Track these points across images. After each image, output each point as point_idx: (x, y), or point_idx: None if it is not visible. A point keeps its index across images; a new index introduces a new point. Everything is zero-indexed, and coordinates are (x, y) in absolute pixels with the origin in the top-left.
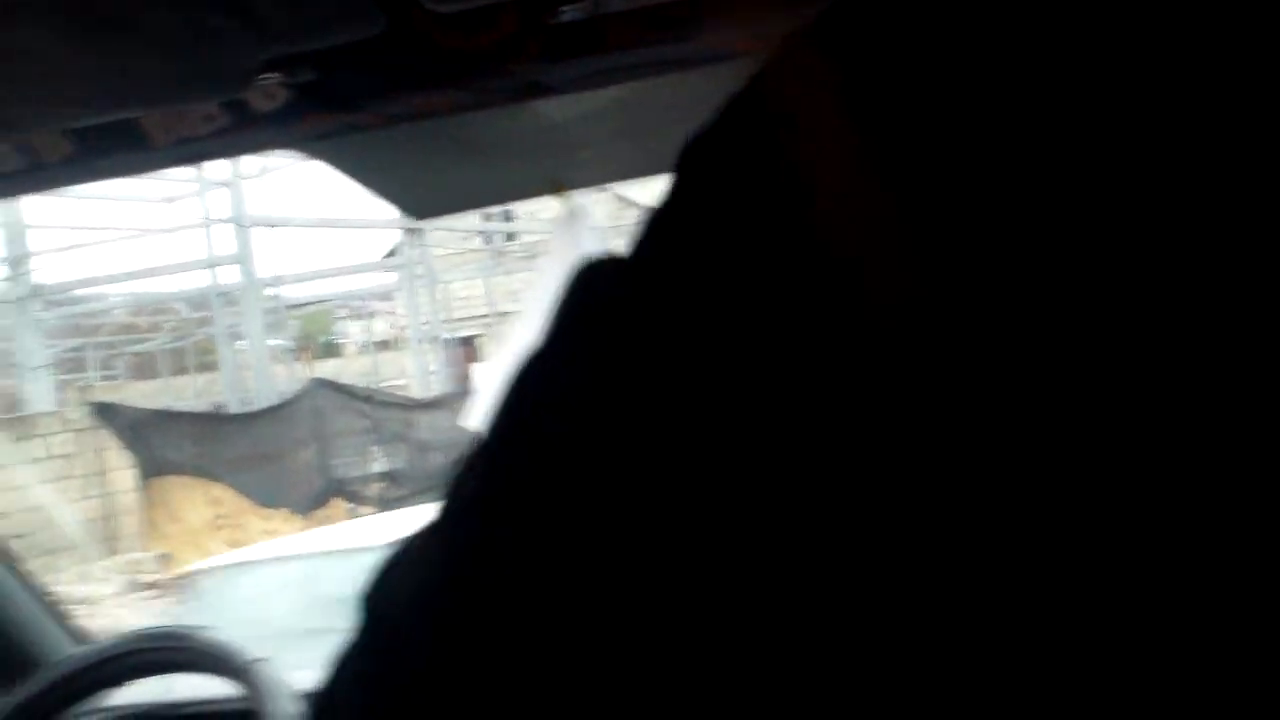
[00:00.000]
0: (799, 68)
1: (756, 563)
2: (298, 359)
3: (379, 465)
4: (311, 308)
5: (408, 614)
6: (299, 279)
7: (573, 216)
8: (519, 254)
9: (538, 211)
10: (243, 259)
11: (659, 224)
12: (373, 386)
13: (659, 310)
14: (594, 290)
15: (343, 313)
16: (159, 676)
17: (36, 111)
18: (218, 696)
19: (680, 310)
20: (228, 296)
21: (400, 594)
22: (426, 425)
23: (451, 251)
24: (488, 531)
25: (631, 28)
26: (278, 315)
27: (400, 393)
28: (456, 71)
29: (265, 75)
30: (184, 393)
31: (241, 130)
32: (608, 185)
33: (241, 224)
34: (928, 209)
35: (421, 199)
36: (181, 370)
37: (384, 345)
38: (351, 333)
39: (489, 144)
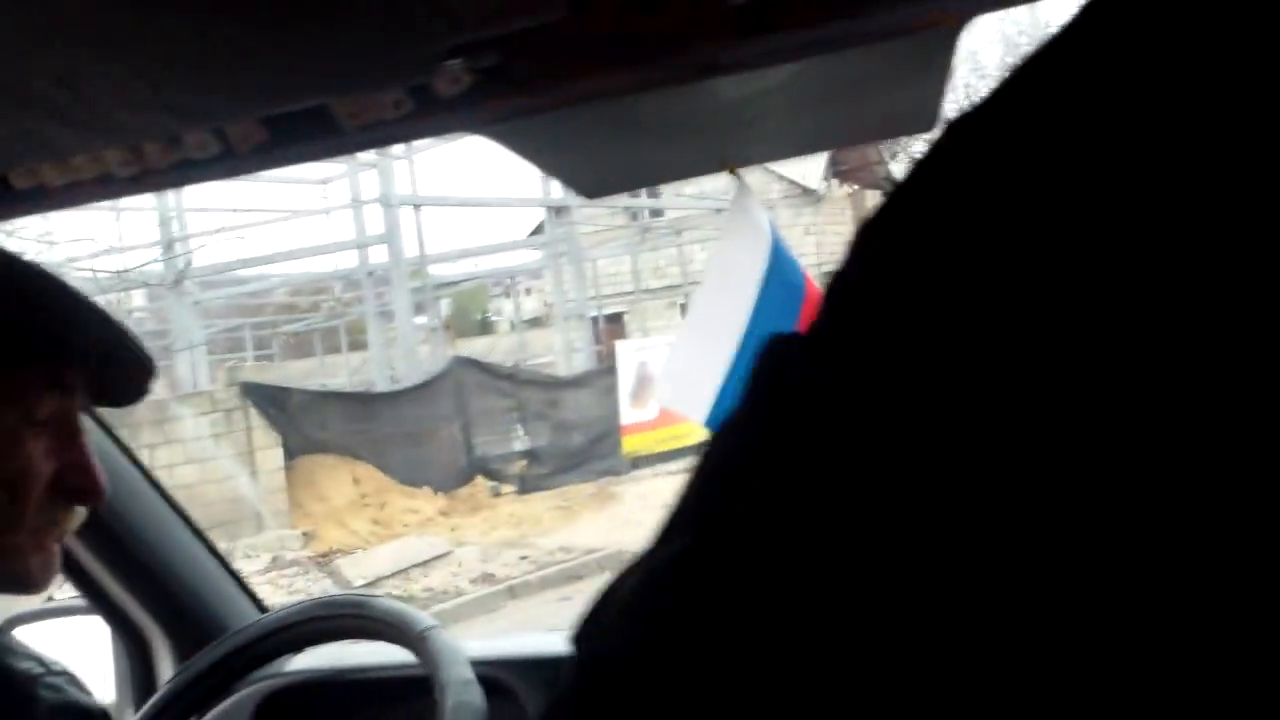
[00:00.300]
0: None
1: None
2: (444, 337)
3: (521, 444)
4: (465, 285)
5: (623, 656)
6: (449, 257)
7: (742, 193)
8: (665, 230)
9: (682, 187)
10: (391, 238)
11: (852, 293)
12: (519, 364)
13: (859, 408)
14: (789, 369)
15: (496, 290)
16: (337, 643)
17: (232, 101)
18: (394, 663)
19: (887, 412)
20: (376, 276)
21: (614, 638)
22: (569, 403)
23: (598, 229)
24: (698, 593)
25: (807, 6)
26: (427, 294)
27: (546, 371)
28: (634, 53)
29: (450, 60)
30: (338, 371)
31: (426, 115)
32: (770, 162)
33: (389, 204)
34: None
35: (595, 178)
36: (335, 349)
37: (535, 323)
38: (505, 310)
39: (662, 123)
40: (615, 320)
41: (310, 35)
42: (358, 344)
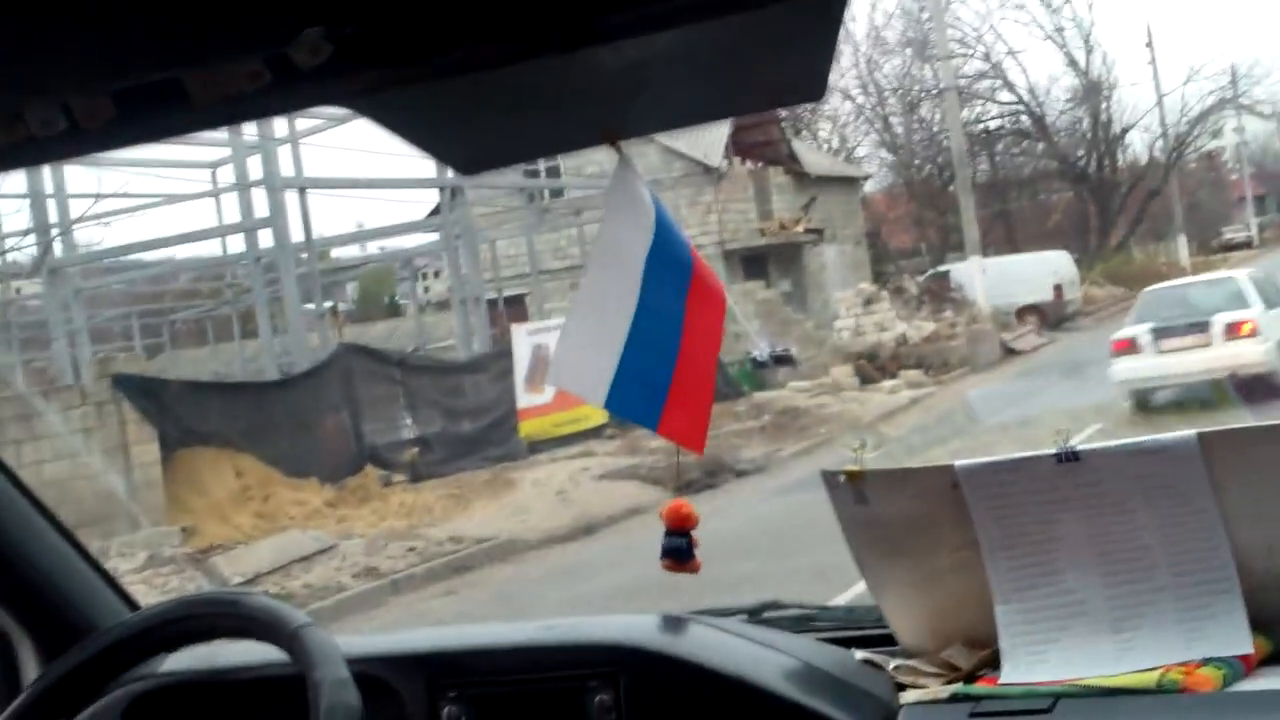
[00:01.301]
0: None
1: None
2: (333, 322)
3: (412, 431)
4: (370, 268)
5: None
6: (341, 241)
7: (624, 168)
8: (564, 210)
9: (583, 167)
10: (275, 223)
11: None
12: (420, 348)
13: None
14: None
15: (404, 273)
16: (209, 642)
17: (76, 74)
18: (268, 662)
19: None
20: (265, 262)
21: None
22: (462, 389)
23: (496, 210)
24: None
25: None
26: (316, 279)
27: (440, 355)
28: (505, 21)
29: (308, 29)
30: (231, 360)
31: (286, 88)
32: (659, 134)
33: (274, 187)
34: None
35: (470, 153)
36: (228, 337)
37: (443, 306)
38: (413, 293)
39: (539, 95)
40: (516, 302)
41: (157, 1)
42: (251, 332)
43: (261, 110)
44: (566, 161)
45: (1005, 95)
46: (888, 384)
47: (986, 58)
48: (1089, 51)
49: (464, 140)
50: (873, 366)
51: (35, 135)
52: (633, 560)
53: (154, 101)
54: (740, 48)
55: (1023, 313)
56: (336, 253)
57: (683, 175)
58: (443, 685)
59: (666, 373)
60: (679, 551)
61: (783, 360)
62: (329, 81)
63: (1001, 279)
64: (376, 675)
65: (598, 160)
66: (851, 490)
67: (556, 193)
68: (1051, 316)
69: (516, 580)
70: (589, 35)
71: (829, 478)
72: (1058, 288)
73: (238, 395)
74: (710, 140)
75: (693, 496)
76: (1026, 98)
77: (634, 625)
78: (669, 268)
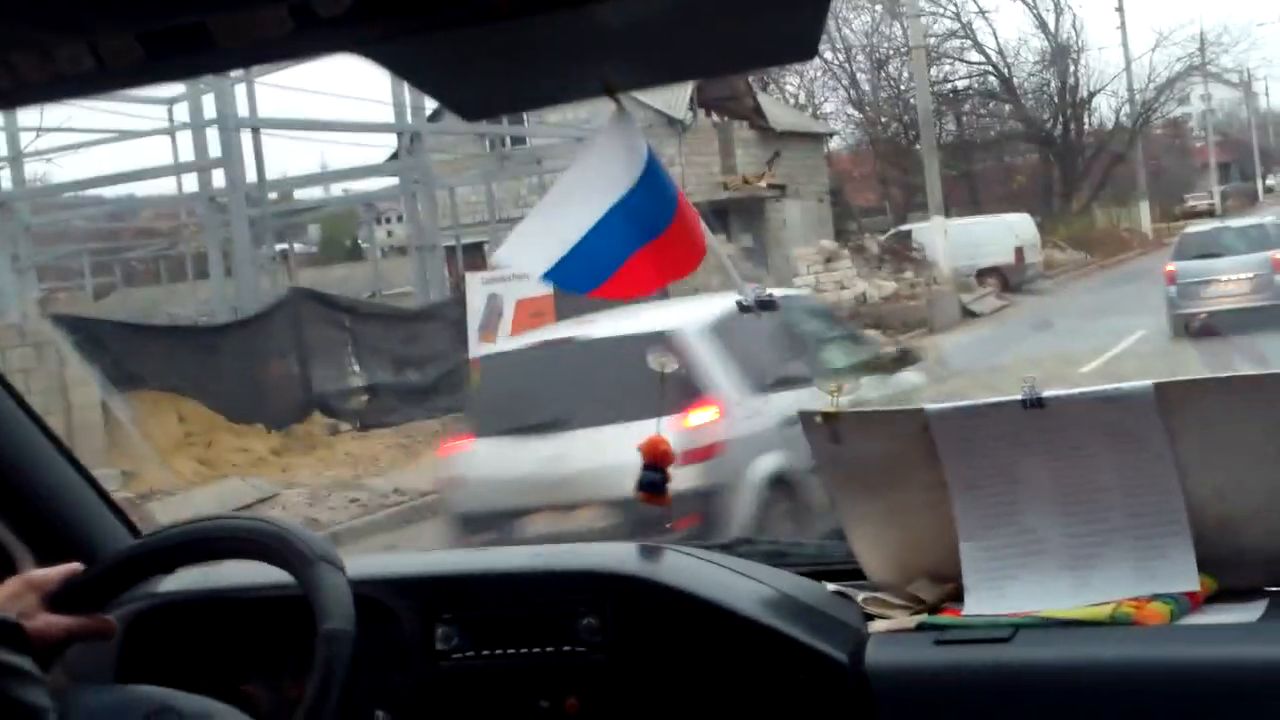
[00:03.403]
0: None
1: None
2: (284, 266)
3: (361, 379)
4: (328, 211)
5: None
6: (295, 184)
7: (621, 118)
8: (524, 159)
9: (545, 115)
10: (228, 163)
11: None
12: (376, 294)
13: None
14: None
15: (367, 217)
16: (207, 563)
17: (105, 17)
18: (269, 583)
19: None
20: (217, 203)
21: None
22: (414, 337)
23: (456, 158)
24: None
25: None
26: (284, 220)
27: (392, 303)
28: None
29: None
30: (185, 301)
31: (307, 34)
32: (650, 89)
33: (226, 126)
34: None
35: (475, 100)
36: (181, 278)
37: (403, 251)
38: (376, 237)
39: (543, 46)
40: (475, 250)
41: None
42: (206, 273)
43: (282, 54)
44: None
45: (974, 55)
46: None
47: (956, 17)
48: (1058, 14)
49: (468, 88)
50: None
51: (64, 73)
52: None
53: (179, 44)
54: (735, 6)
55: (983, 275)
56: (301, 194)
57: (647, 127)
58: (437, 608)
59: (615, 263)
60: (655, 485)
61: (766, 305)
62: (347, 28)
63: (963, 240)
64: (373, 597)
65: (560, 109)
66: (827, 430)
67: (518, 140)
68: (1012, 279)
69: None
70: None
71: (806, 418)
72: (1019, 250)
73: (181, 338)
74: (675, 93)
75: None
76: (995, 59)
77: (619, 553)
78: (653, 198)
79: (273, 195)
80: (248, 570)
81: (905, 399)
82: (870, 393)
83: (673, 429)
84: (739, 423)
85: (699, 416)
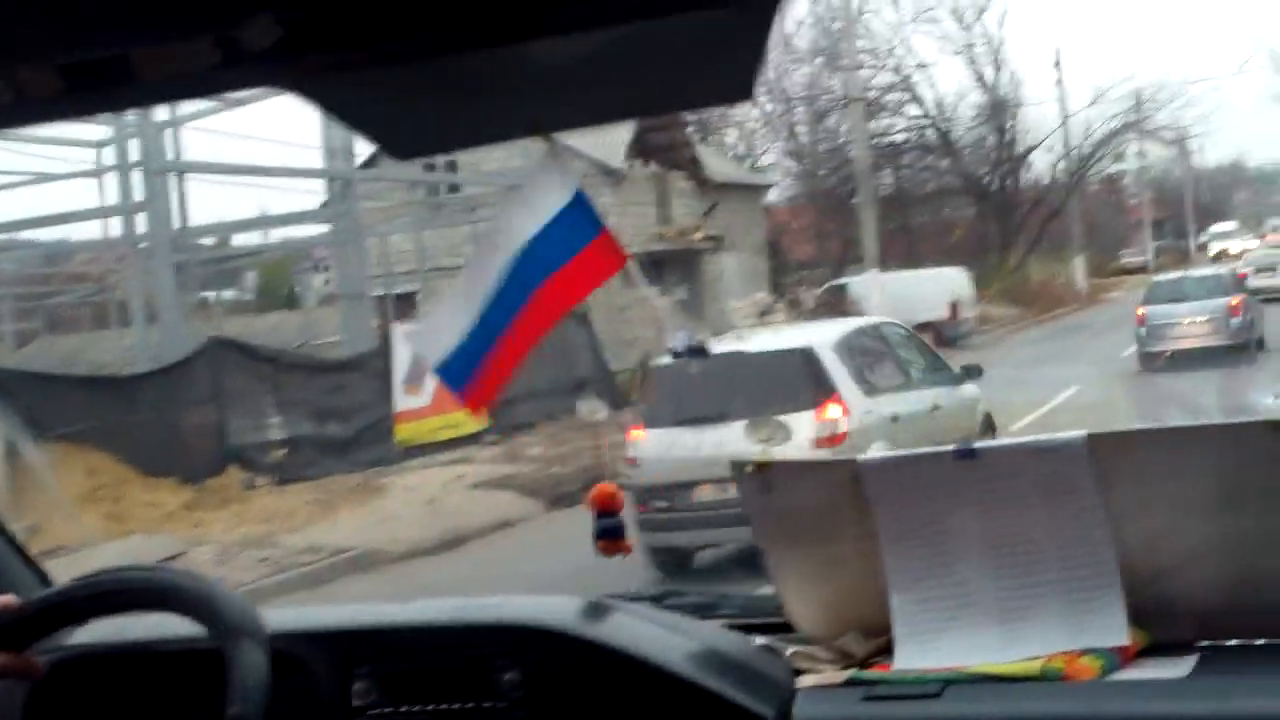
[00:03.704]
0: None
1: None
2: (204, 314)
3: (280, 431)
4: (264, 258)
5: None
6: (224, 229)
7: (552, 158)
8: (459, 207)
9: (480, 164)
10: (153, 207)
11: None
12: (307, 343)
13: None
14: None
15: (304, 264)
16: (124, 615)
17: (24, 46)
18: (179, 635)
19: None
20: (142, 249)
21: None
22: (337, 388)
23: (389, 205)
24: None
25: None
26: (217, 266)
27: (325, 352)
28: (447, 12)
29: (258, 12)
30: (109, 349)
31: (234, 68)
32: (584, 129)
33: (153, 170)
34: None
35: (407, 138)
36: (105, 324)
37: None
38: (314, 285)
39: (474, 84)
40: (407, 299)
41: None
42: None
43: (207, 89)
44: (464, 157)
45: (913, 109)
46: None
47: (896, 70)
48: (997, 69)
49: (401, 126)
50: None
51: None
52: (498, 579)
53: (101, 76)
54: (670, 47)
55: (918, 329)
56: (242, 240)
57: (582, 176)
58: (353, 662)
59: (484, 349)
60: (613, 531)
61: (697, 353)
62: (276, 63)
63: (899, 294)
64: (287, 650)
65: (496, 157)
66: (759, 479)
67: (454, 188)
68: (946, 335)
69: (371, 596)
70: (525, 28)
71: (737, 467)
72: (953, 305)
73: (96, 388)
74: (612, 141)
75: (567, 510)
76: (934, 112)
77: (542, 606)
78: (544, 255)
79: (209, 240)
80: (161, 622)
81: (969, 405)
82: (942, 401)
83: (810, 421)
84: (857, 418)
85: (830, 412)
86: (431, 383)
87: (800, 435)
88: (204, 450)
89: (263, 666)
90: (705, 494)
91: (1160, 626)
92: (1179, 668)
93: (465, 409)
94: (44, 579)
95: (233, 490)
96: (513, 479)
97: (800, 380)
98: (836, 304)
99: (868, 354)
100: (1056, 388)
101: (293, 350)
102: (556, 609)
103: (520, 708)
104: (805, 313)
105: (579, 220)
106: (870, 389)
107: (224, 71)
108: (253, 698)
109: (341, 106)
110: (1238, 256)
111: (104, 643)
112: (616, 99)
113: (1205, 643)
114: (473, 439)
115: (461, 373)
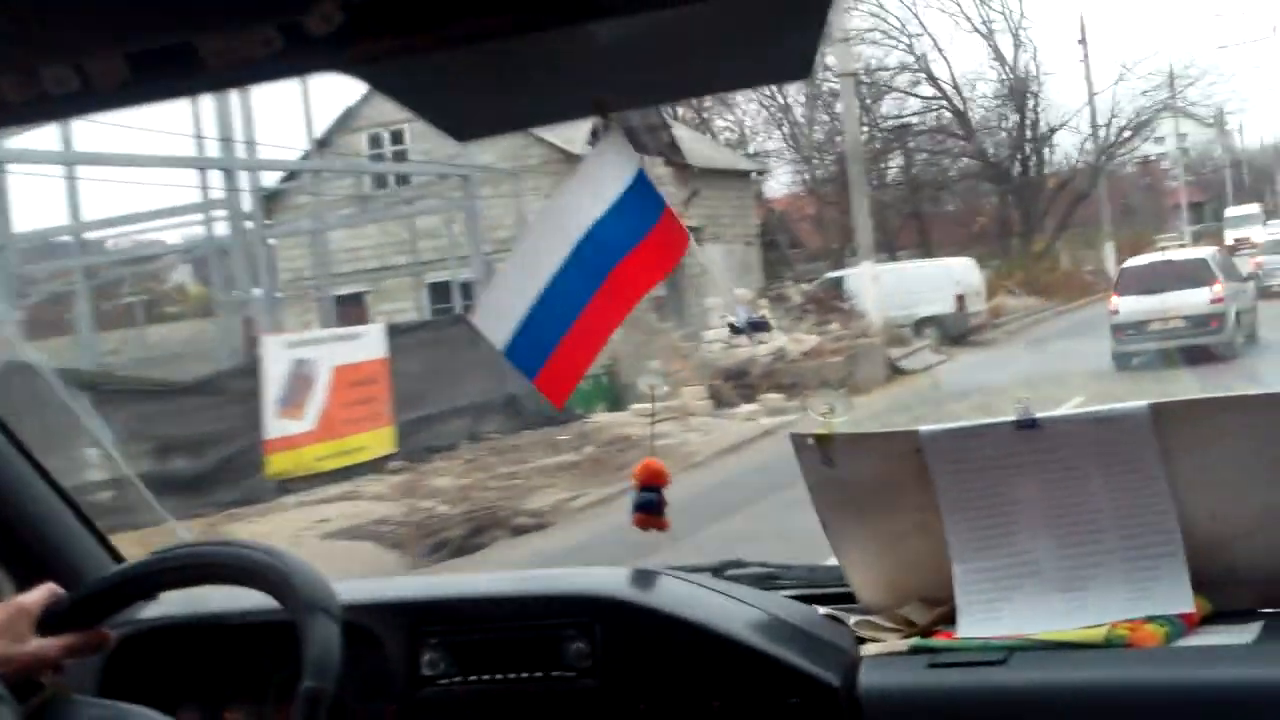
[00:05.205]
0: None
1: None
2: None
3: (106, 471)
4: (144, 264)
5: None
6: (100, 225)
7: (611, 138)
8: (391, 199)
9: (431, 151)
10: None
11: None
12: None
13: None
14: None
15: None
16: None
17: (92, 36)
18: (254, 608)
19: None
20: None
21: None
22: (185, 416)
23: (335, 197)
24: None
25: None
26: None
27: (170, 375)
28: None
29: None
30: None
31: (296, 53)
32: (645, 107)
33: None
34: None
35: (466, 120)
36: None
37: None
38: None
39: (535, 65)
40: (353, 300)
41: None
42: None
43: (271, 74)
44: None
45: (926, 90)
46: (744, 409)
47: (910, 49)
48: (1017, 46)
49: (461, 108)
50: (739, 386)
51: (49, 93)
52: None
53: (167, 64)
54: (732, 26)
55: (921, 325)
56: (117, 244)
57: (542, 162)
58: (423, 633)
59: (559, 333)
60: (651, 505)
61: (759, 327)
62: (338, 49)
63: (899, 288)
64: (359, 622)
65: (423, 148)
66: (819, 453)
67: (403, 179)
68: (952, 330)
69: None
70: (585, 9)
71: (798, 440)
72: (960, 298)
73: None
74: (576, 128)
75: (447, 562)
76: (950, 92)
77: (608, 577)
78: (613, 239)
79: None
80: (233, 595)
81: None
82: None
83: (1206, 291)
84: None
85: (1215, 290)
86: (316, 403)
87: (1198, 298)
88: None
89: (336, 640)
90: (1153, 326)
91: (1222, 594)
92: (1244, 634)
93: (544, 397)
94: (116, 555)
95: None
96: (383, 524)
97: (1199, 273)
98: (828, 299)
99: (1225, 265)
100: (1057, 400)
101: (122, 374)
102: (623, 580)
103: (588, 677)
104: (793, 309)
105: (643, 200)
106: (1229, 279)
107: (286, 56)
108: (326, 671)
109: (402, 90)
110: (1258, 246)
111: (178, 615)
112: (676, 78)
113: (1269, 609)
114: (372, 466)
115: (534, 358)
